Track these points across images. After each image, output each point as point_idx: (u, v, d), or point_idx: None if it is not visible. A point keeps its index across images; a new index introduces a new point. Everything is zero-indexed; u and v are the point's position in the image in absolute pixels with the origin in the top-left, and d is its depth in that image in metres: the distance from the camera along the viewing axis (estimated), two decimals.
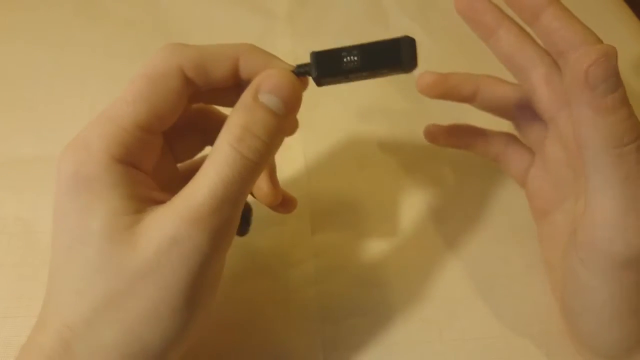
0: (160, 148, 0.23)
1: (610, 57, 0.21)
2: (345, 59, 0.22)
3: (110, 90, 0.41)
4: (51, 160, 0.37)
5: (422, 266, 0.32)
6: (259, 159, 0.21)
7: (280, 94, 0.22)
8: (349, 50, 0.22)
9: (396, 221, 0.34)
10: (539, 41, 0.26)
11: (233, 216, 0.21)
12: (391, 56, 0.22)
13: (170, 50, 0.22)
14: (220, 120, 0.27)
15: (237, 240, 0.24)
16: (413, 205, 0.35)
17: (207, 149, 0.27)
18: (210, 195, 0.20)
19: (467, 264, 0.32)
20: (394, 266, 0.32)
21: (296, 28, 0.46)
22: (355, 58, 0.22)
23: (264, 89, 0.22)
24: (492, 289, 0.31)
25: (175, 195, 0.21)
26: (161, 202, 0.21)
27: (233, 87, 0.23)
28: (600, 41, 0.23)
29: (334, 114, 0.40)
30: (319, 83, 0.23)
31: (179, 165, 0.27)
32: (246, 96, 0.22)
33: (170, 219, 0.20)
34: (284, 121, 0.22)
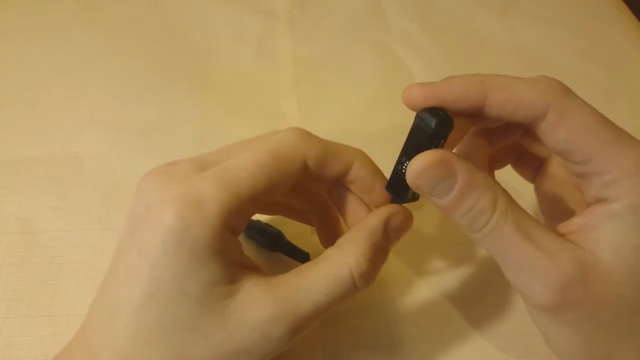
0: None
1: (429, 166, 0.22)
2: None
3: (111, 90, 0.42)
4: (51, 160, 0.38)
5: (423, 266, 0.32)
6: (364, 289, 0.23)
7: (402, 234, 0.25)
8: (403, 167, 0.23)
9: None
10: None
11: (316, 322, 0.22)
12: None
13: (299, 135, 0.23)
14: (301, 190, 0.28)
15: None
16: (413, 206, 0.35)
17: None
18: (314, 311, 0.22)
19: (467, 263, 0.32)
20: (394, 266, 0.32)
21: (296, 28, 0.46)
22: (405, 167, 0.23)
23: (393, 225, 0.24)
24: (492, 288, 0.31)
25: (278, 282, 0.22)
26: (247, 267, 0.22)
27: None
28: None
29: (334, 114, 0.39)
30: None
31: None
32: (378, 227, 0.24)
33: (268, 315, 0.21)
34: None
